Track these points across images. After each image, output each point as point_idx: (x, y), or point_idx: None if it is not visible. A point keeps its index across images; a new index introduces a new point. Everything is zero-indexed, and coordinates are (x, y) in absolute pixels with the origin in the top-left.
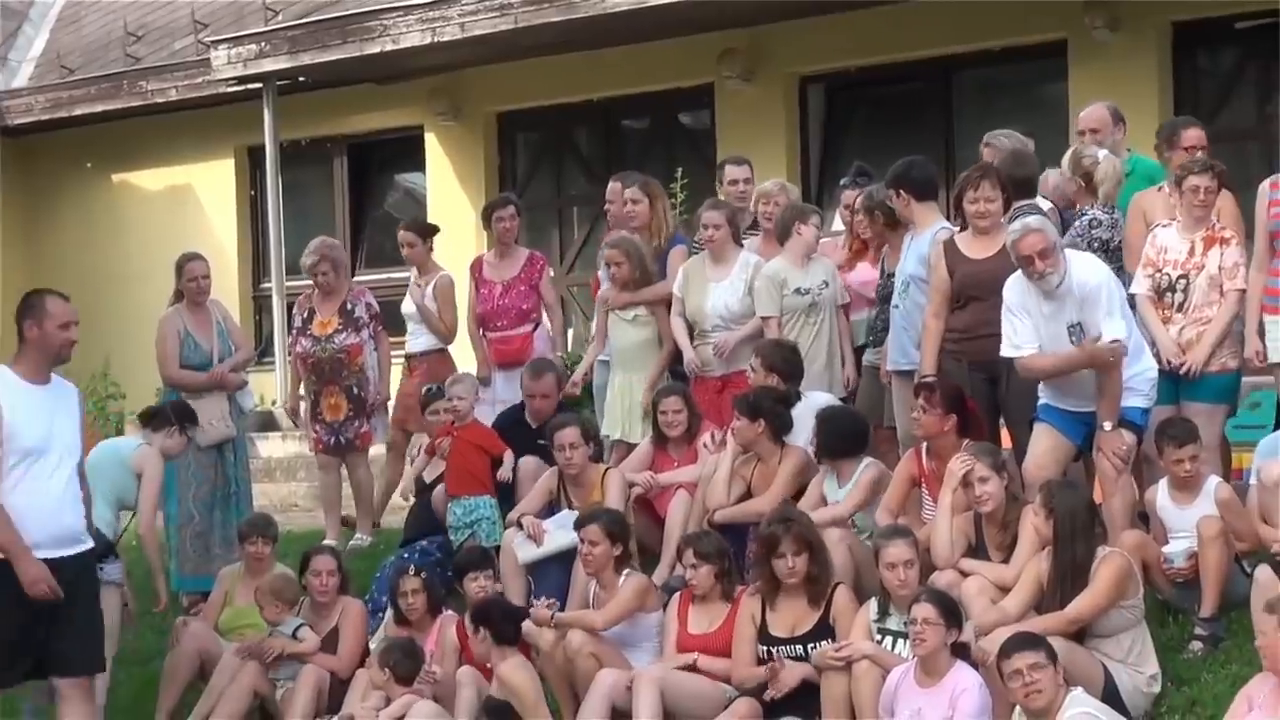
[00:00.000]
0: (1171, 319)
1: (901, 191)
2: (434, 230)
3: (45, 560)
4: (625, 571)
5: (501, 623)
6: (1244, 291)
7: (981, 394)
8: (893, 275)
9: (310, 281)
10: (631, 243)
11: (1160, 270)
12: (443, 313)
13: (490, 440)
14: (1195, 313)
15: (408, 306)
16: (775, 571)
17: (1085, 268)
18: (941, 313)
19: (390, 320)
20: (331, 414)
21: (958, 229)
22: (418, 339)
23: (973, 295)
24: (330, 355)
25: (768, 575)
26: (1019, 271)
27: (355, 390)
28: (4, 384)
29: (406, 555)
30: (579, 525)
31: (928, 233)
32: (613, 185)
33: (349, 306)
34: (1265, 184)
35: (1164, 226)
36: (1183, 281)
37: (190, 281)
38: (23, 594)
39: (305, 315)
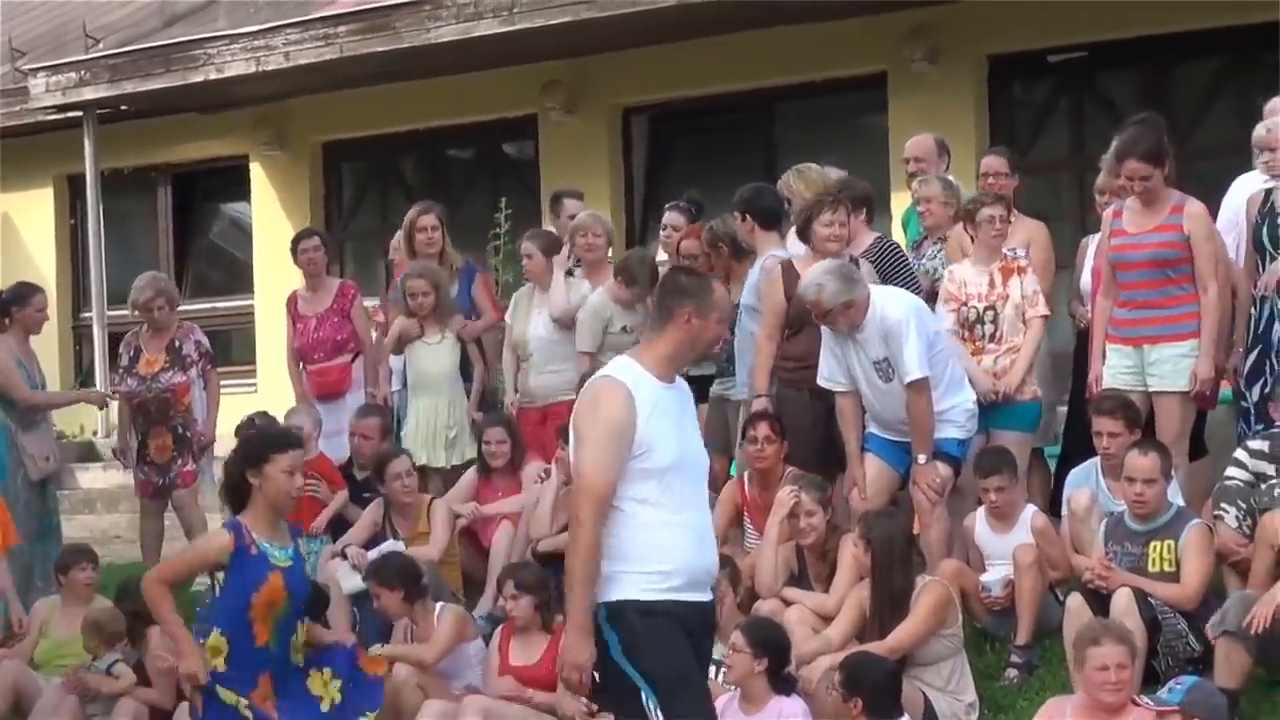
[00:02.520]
0: (984, 350)
1: (748, 216)
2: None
3: None
4: (439, 605)
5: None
6: (1046, 318)
7: (820, 422)
8: (738, 306)
9: (134, 316)
10: (437, 273)
11: (964, 304)
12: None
13: (331, 473)
14: (1006, 342)
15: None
16: None
17: (890, 304)
18: (775, 335)
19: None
20: (159, 455)
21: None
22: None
23: (808, 320)
24: (156, 395)
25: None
26: None
27: (181, 430)
28: None
29: None
30: (368, 576)
31: (759, 262)
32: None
33: (177, 344)
34: (1108, 212)
35: (959, 262)
36: (990, 313)
37: (38, 312)
38: None
39: (131, 354)
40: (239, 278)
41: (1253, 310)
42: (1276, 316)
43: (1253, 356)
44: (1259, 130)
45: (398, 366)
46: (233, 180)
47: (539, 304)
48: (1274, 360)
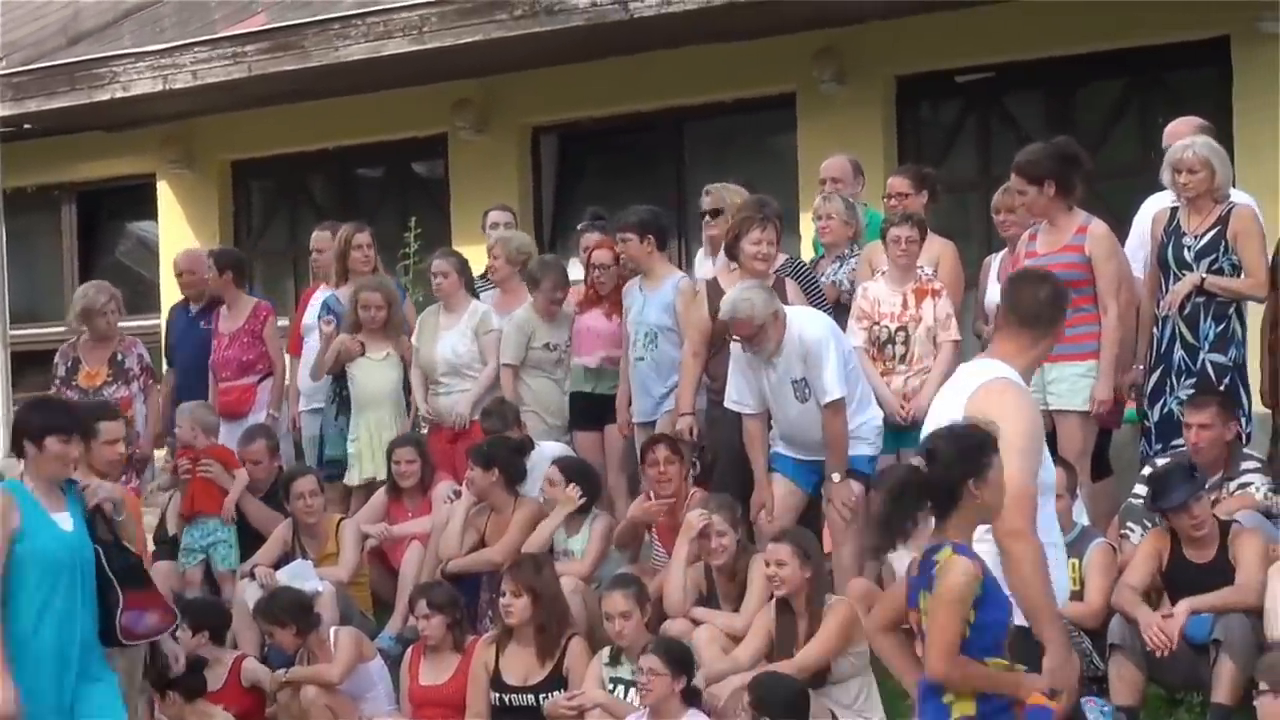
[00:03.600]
0: (895, 370)
1: (650, 238)
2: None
3: None
4: (332, 630)
5: (189, 679)
6: (957, 342)
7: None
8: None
9: (75, 326)
10: (392, 288)
11: (876, 323)
12: None
13: (230, 459)
14: (918, 364)
15: None
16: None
17: (808, 324)
18: (701, 352)
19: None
20: None
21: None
22: None
23: (729, 340)
24: None
25: (502, 623)
26: None
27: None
28: None
29: None
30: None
31: (669, 282)
32: (319, 234)
33: (119, 357)
34: (1025, 235)
35: (873, 280)
36: (902, 334)
37: None
38: None
39: (69, 365)
40: (145, 296)
41: (1155, 330)
42: (1178, 337)
43: (1155, 376)
44: (1175, 150)
45: (308, 388)
46: (139, 199)
47: (447, 324)
48: (1173, 380)
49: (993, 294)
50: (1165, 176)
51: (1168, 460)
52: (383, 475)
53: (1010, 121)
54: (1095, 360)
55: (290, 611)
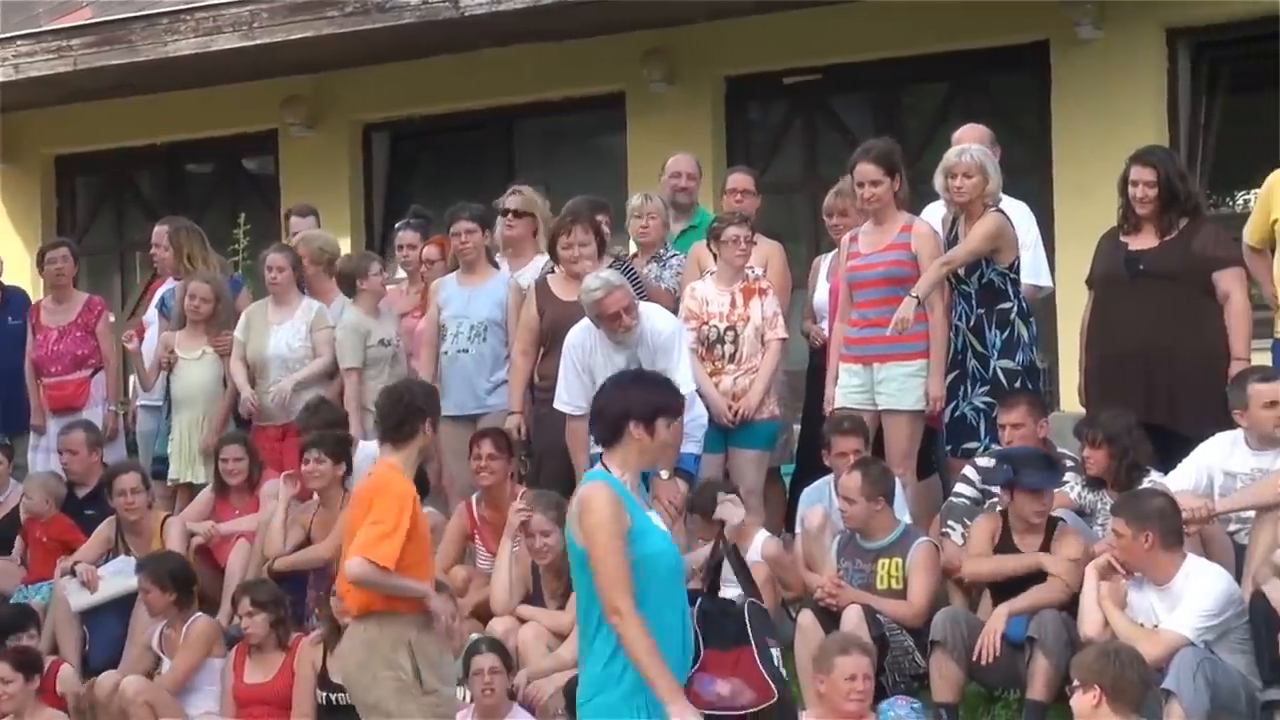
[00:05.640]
0: (724, 370)
1: (489, 232)
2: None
3: None
4: (194, 616)
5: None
6: (785, 340)
7: None
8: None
9: None
10: (222, 285)
11: (705, 323)
12: None
13: (73, 535)
14: (746, 363)
15: None
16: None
17: (658, 318)
18: (530, 351)
19: None
20: None
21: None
22: None
23: (561, 338)
24: None
25: (330, 620)
26: (582, 324)
27: None
28: None
29: None
30: (138, 571)
31: (500, 278)
32: (157, 229)
33: None
34: (846, 237)
35: (701, 279)
36: (731, 333)
37: None
38: None
39: None
40: None
41: (951, 336)
42: (969, 346)
43: (950, 380)
44: (948, 156)
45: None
46: None
47: (278, 320)
48: (967, 386)
49: (820, 295)
50: (939, 182)
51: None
52: (188, 478)
53: (837, 124)
54: (924, 359)
55: (175, 580)
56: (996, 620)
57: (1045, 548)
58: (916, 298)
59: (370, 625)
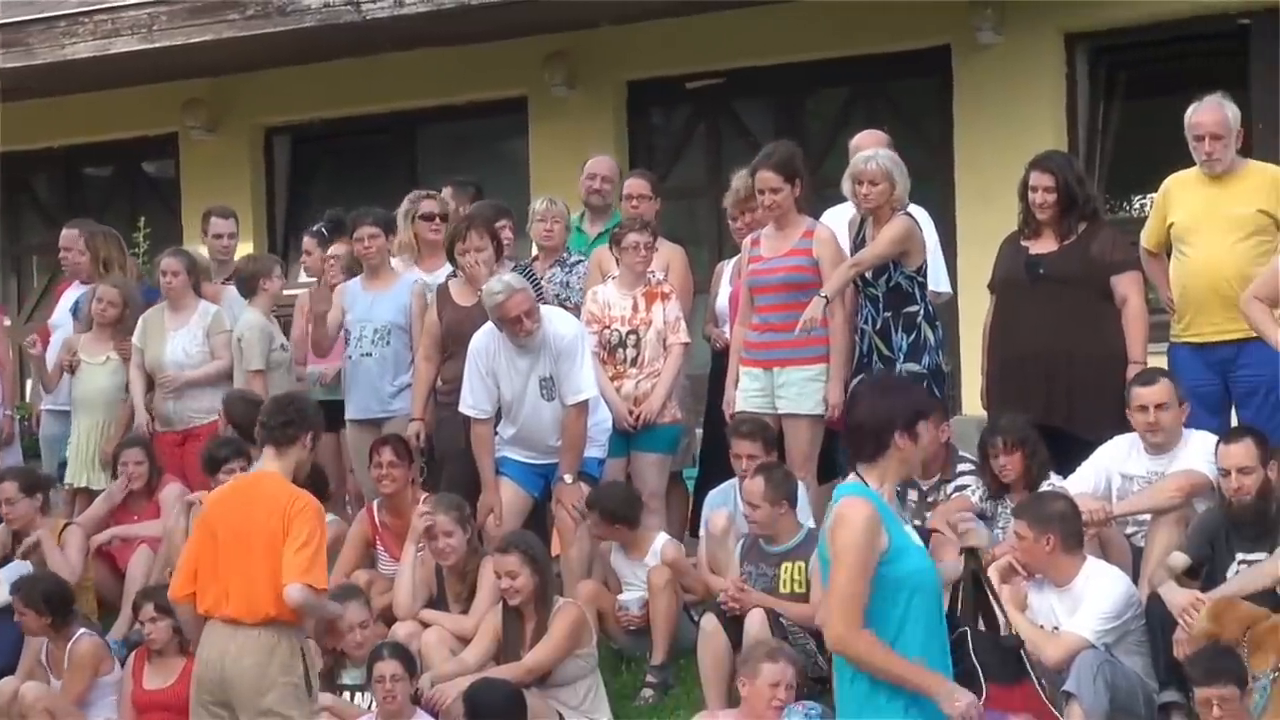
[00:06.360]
0: (626, 374)
1: (394, 236)
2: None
3: None
4: (78, 633)
5: None
6: (687, 345)
7: None
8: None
9: None
10: (133, 291)
11: (607, 327)
12: None
13: None
14: (648, 367)
15: None
16: None
17: (560, 322)
18: (432, 356)
19: None
20: None
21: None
22: None
23: (461, 343)
24: None
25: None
26: (486, 328)
27: None
28: None
29: None
30: (13, 593)
31: (403, 282)
32: (67, 233)
33: None
34: (747, 240)
35: (603, 283)
36: (633, 337)
37: None
38: None
39: None
40: None
41: (856, 340)
42: (875, 349)
43: (854, 385)
44: (856, 162)
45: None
46: None
47: (175, 325)
48: None
49: (723, 299)
50: (846, 187)
51: None
52: (83, 483)
53: (740, 128)
54: (824, 364)
55: (49, 602)
56: None
57: None
58: (825, 298)
59: (268, 633)
